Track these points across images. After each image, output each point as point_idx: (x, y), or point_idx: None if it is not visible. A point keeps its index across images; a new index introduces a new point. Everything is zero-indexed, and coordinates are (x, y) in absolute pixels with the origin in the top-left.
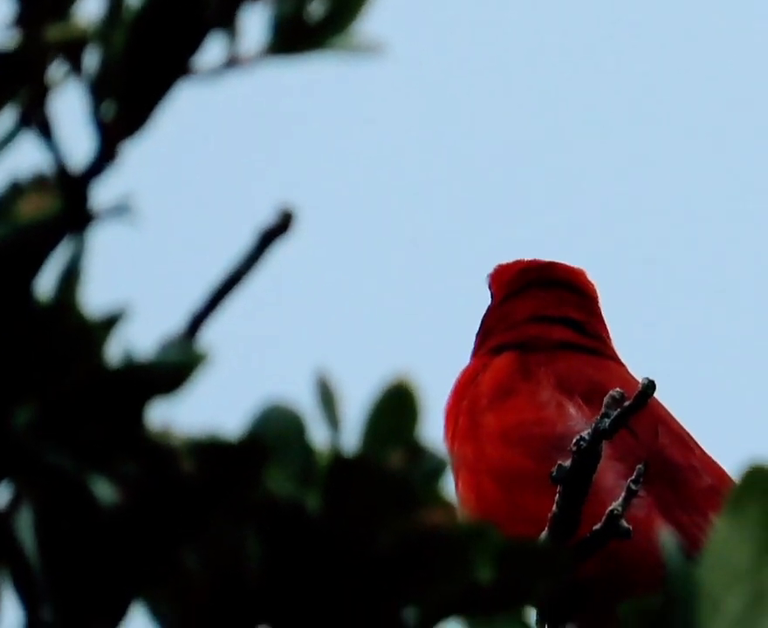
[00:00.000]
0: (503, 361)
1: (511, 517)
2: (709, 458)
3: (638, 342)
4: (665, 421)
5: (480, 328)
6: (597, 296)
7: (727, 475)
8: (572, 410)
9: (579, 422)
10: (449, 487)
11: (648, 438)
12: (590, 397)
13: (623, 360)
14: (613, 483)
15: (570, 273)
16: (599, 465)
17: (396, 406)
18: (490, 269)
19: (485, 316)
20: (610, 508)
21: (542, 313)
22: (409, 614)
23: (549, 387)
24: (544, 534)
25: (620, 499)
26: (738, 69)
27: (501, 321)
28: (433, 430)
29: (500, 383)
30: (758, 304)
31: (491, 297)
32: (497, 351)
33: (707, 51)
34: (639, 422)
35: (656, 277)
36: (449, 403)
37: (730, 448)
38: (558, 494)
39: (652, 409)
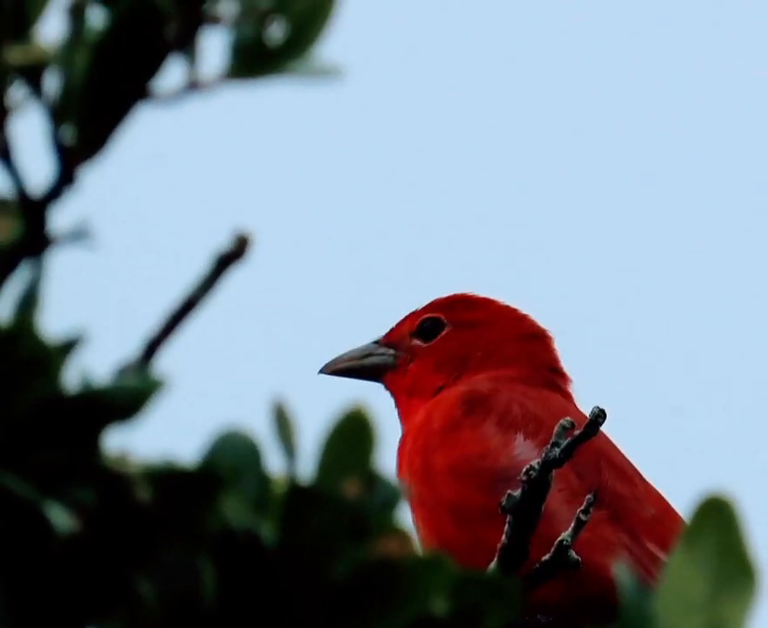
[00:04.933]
0: (449, 399)
1: (471, 551)
2: (652, 488)
3: (582, 377)
4: (607, 454)
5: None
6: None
7: (669, 506)
8: (517, 440)
9: (524, 452)
10: (405, 516)
11: (592, 471)
12: (533, 428)
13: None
14: (560, 512)
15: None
16: (548, 495)
17: (352, 435)
18: (450, 295)
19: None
20: (559, 538)
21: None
22: None
23: (492, 420)
24: (493, 564)
25: (570, 529)
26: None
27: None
28: (388, 460)
29: (447, 420)
30: (707, 335)
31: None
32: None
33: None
34: (581, 456)
35: (597, 309)
36: (408, 444)
37: (674, 481)
38: (507, 524)
39: (593, 442)
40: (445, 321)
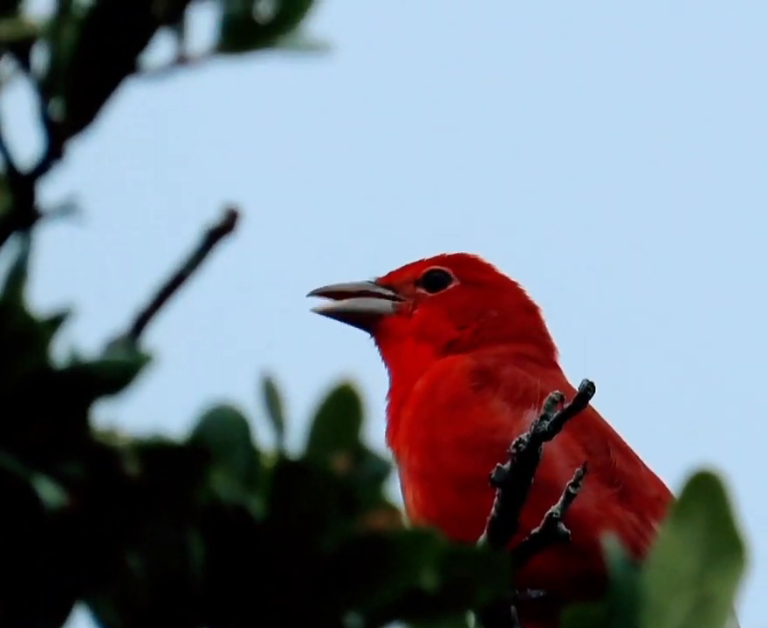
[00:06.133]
0: (455, 372)
1: (473, 522)
2: (651, 471)
3: (574, 354)
4: (611, 435)
5: (453, 311)
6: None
7: (667, 488)
8: (529, 415)
9: None
10: (394, 490)
11: (600, 450)
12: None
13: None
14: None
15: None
16: (537, 467)
17: (341, 409)
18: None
19: (465, 300)
20: (549, 511)
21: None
22: (353, 619)
23: (501, 395)
24: (482, 537)
25: (559, 503)
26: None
27: (497, 328)
28: (377, 433)
29: (454, 395)
30: (695, 314)
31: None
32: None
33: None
34: (589, 435)
35: (590, 285)
36: (408, 413)
37: (664, 459)
38: (496, 497)
39: (599, 424)
40: (453, 276)
